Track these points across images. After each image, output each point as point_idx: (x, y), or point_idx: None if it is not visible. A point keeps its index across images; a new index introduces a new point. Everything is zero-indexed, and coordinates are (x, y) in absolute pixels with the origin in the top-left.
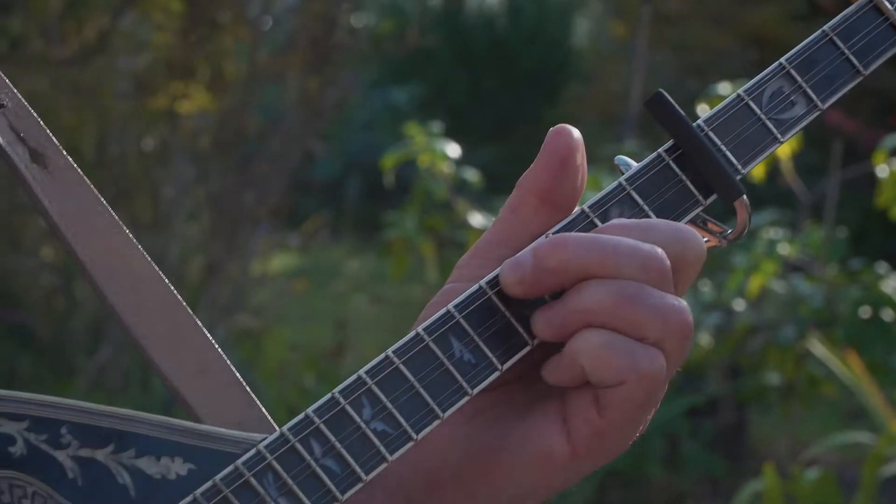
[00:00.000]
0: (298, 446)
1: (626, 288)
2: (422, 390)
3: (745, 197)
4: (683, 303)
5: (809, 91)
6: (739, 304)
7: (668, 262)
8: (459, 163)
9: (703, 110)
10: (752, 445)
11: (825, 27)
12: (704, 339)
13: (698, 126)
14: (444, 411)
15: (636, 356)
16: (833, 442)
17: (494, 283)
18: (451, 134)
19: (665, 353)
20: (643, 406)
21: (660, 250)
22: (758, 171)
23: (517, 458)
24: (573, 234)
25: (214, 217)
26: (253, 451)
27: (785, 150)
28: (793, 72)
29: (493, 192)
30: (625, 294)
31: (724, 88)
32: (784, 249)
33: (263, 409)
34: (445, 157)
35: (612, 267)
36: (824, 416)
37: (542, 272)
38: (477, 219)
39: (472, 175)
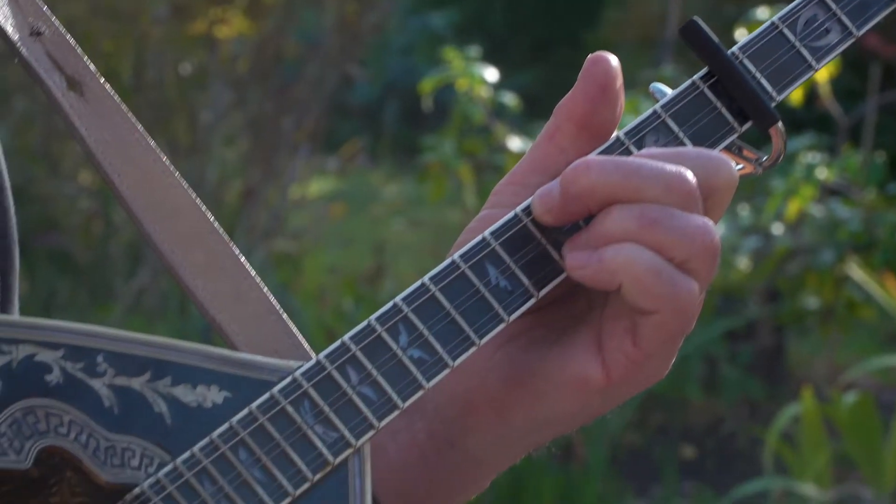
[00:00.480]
0: (335, 374)
1: (649, 211)
2: (458, 317)
3: (780, 124)
4: (709, 222)
5: (844, 18)
6: (778, 228)
7: (693, 184)
8: (497, 87)
9: (742, 35)
10: (790, 369)
11: None
12: (743, 262)
13: (733, 54)
14: (480, 338)
15: (676, 286)
16: (871, 366)
17: (530, 210)
18: (490, 58)
19: (692, 274)
20: (677, 336)
21: (685, 171)
22: (795, 94)
23: (552, 383)
24: (596, 157)
25: (252, 141)
26: (289, 379)
27: (823, 74)
28: None
29: (531, 115)
30: (647, 217)
31: (763, 13)
32: (822, 173)
33: (300, 337)
34: (483, 82)
35: (635, 189)
36: (862, 340)
37: (568, 198)
38: (515, 143)
39: (510, 99)
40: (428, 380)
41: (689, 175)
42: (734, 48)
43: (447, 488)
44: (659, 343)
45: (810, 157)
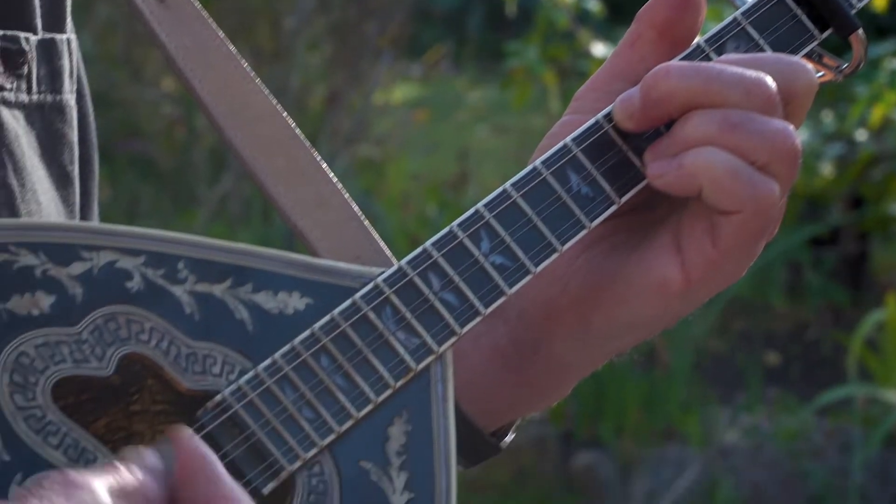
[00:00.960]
0: (417, 280)
1: (730, 116)
2: (540, 223)
3: (860, 31)
4: (789, 125)
5: None
6: (861, 135)
7: (773, 88)
8: None
9: None
10: (874, 275)
11: None
12: (826, 169)
13: None
14: (562, 244)
15: (756, 186)
16: None
17: (611, 116)
18: None
19: (774, 177)
20: (757, 236)
21: (765, 76)
22: (879, 0)
23: (632, 287)
24: (677, 63)
25: (336, 47)
26: (371, 286)
27: None
28: None
29: (615, 21)
30: (728, 121)
31: None
32: None
33: (382, 243)
34: None
35: (716, 94)
36: None
37: (649, 104)
38: (599, 48)
39: (594, 5)
40: (510, 286)
41: (769, 80)
42: None
43: (529, 394)
44: (738, 243)
45: (895, 63)
